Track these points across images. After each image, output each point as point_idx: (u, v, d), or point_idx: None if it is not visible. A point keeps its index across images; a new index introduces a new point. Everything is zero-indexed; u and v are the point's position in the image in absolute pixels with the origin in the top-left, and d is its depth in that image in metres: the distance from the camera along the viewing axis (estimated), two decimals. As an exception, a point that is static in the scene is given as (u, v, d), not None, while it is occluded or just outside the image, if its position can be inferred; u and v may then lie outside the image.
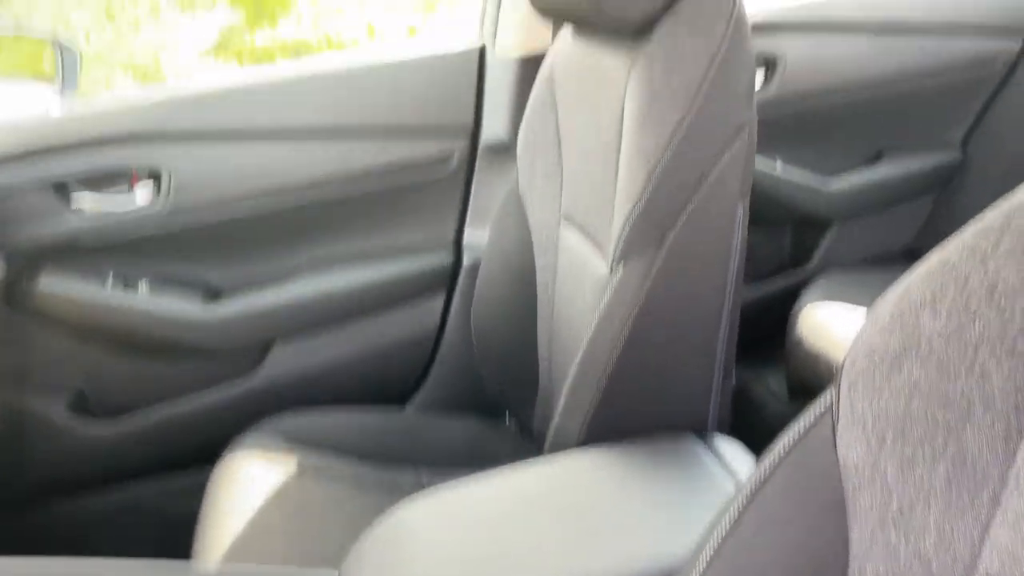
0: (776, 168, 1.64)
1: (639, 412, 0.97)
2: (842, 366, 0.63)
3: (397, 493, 1.35)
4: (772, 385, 1.63)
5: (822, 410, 0.64)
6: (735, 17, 0.99)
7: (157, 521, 1.55)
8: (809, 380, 1.40)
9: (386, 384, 1.62)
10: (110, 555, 0.88)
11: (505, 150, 1.52)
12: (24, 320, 1.44)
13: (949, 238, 0.61)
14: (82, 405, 1.51)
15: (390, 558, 0.85)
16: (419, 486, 1.37)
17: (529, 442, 1.44)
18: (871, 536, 0.59)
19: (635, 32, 1.03)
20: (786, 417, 1.62)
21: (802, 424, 0.65)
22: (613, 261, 1.00)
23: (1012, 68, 1.68)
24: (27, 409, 1.47)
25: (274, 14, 5.42)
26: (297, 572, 0.90)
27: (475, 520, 0.86)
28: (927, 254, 0.64)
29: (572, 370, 1.03)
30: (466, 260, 1.60)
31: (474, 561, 0.81)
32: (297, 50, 5.28)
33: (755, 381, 1.66)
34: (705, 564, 0.66)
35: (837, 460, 0.62)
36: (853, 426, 0.61)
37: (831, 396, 0.63)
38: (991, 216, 0.58)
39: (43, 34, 1.42)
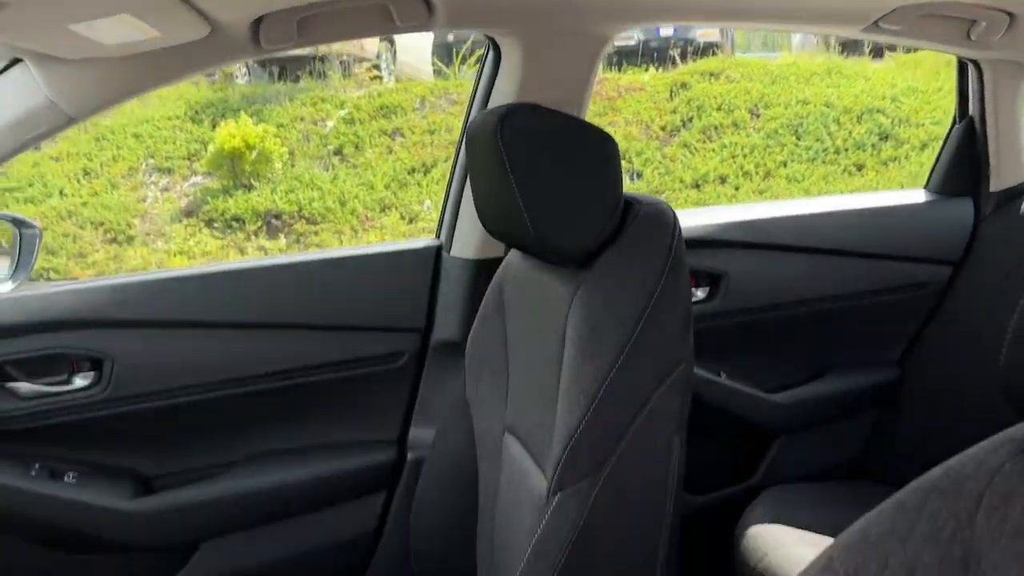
0: (722, 380, 1.66)
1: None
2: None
3: None
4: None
5: None
6: (674, 250, 1.04)
7: None
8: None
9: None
10: None
11: (455, 350, 1.53)
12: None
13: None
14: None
15: None
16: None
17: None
18: None
19: (578, 262, 1.07)
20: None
21: None
22: (551, 485, 0.99)
23: (943, 293, 1.76)
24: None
25: (250, 182, 5.58)
26: None
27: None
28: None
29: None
30: (410, 457, 1.57)
31: None
32: (269, 215, 5.41)
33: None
34: None
35: None
36: None
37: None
38: (908, 495, 0.59)
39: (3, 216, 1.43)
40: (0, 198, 5.37)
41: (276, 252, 5.12)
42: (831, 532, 1.41)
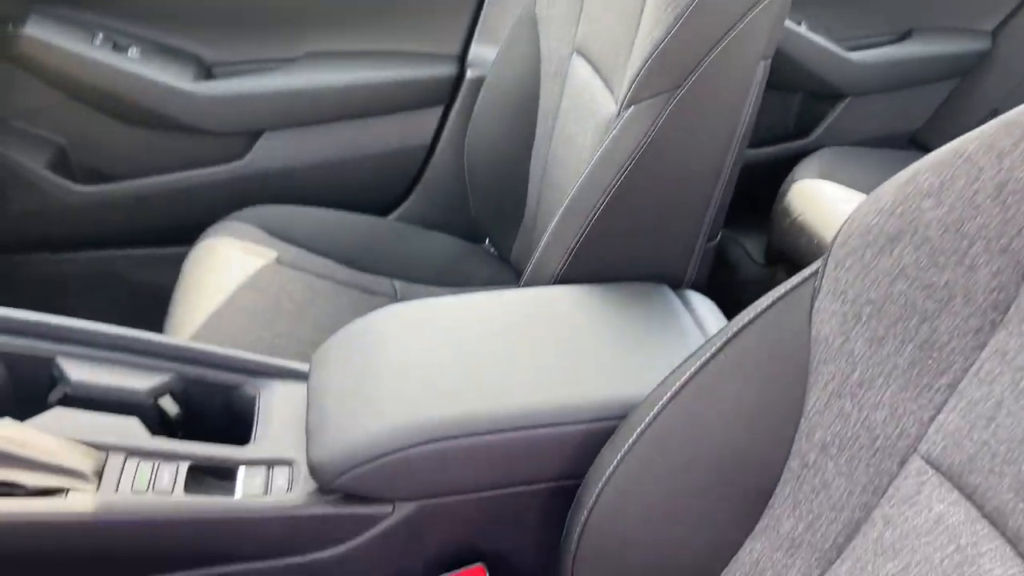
0: (800, 30, 1.58)
1: (620, 257, 0.98)
2: (834, 240, 0.64)
3: (371, 298, 1.37)
4: (748, 248, 1.65)
5: (805, 279, 0.65)
6: None
7: (129, 291, 1.58)
8: (789, 250, 1.42)
9: (371, 191, 1.61)
10: (80, 317, 0.89)
11: (526, -36, 1.44)
12: (7, 63, 1.39)
13: (965, 132, 0.60)
14: (63, 164, 1.49)
15: (361, 356, 0.88)
16: (393, 295, 1.40)
17: (505, 271, 1.46)
18: (827, 403, 0.62)
19: None
20: (756, 281, 1.66)
21: (783, 288, 0.66)
22: (622, 102, 0.98)
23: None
24: (7, 159, 1.44)
25: None
26: (270, 360, 0.92)
27: (447, 333, 0.88)
28: (938, 143, 0.63)
29: (561, 206, 1.03)
30: (469, 75, 1.55)
31: (441, 368, 0.84)
32: None
33: (732, 242, 1.68)
34: (665, 402, 0.69)
35: (809, 328, 0.64)
36: (833, 299, 0.62)
37: (818, 267, 0.64)
38: (1018, 114, 0.57)
39: None
40: None
41: None
42: (879, 194, 1.43)
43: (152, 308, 1.33)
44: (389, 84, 1.54)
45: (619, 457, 0.70)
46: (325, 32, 1.52)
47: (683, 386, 0.69)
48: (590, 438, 0.78)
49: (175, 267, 1.35)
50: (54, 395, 0.86)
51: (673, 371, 0.71)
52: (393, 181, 1.61)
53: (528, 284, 1.06)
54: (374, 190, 1.61)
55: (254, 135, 1.52)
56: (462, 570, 0.81)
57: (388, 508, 0.79)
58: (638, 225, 0.96)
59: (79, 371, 0.86)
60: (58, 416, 0.81)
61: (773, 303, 0.66)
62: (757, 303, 0.67)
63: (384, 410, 0.80)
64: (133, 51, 1.43)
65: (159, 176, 1.51)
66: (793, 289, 0.65)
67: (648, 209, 0.95)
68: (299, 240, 1.39)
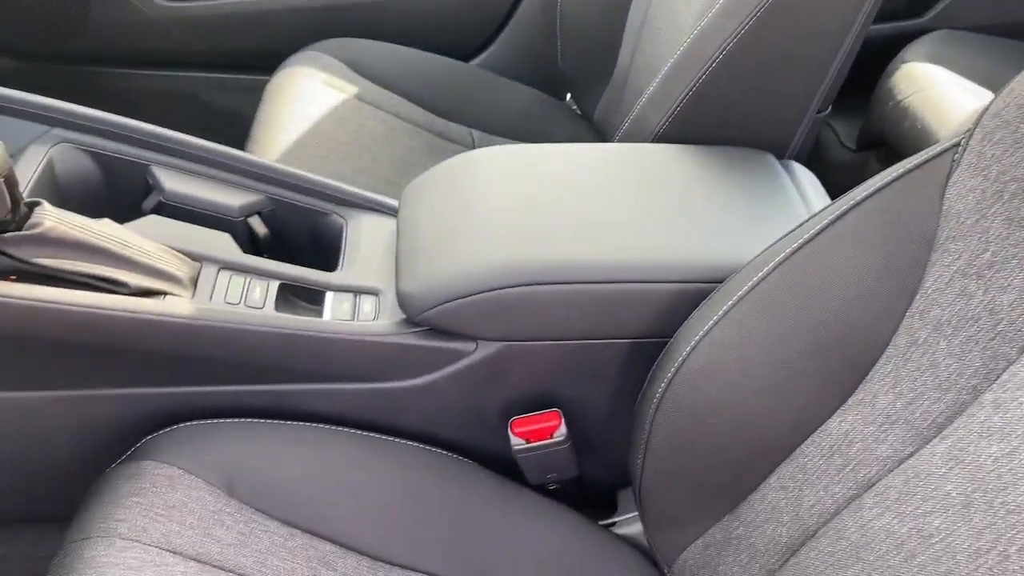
0: None
1: (726, 119, 0.94)
2: (983, 112, 0.60)
3: (447, 144, 1.35)
4: (838, 131, 1.58)
5: (944, 150, 0.61)
6: None
7: (207, 114, 1.57)
8: (888, 135, 1.35)
9: (455, 34, 1.55)
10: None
11: None
12: None
13: None
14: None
15: (456, 195, 0.87)
16: (470, 144, 1.37)
17: (586, 130, 1.42)
18: (948, 281, 0.60)
19: None
20: (843, 166, 1.59)
21: (916, 159, 0.63)
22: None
23: None
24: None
25: None
26: (359, 192, 0.91)
27: (544, 179, 0.86)
28: None
29: (664, 61, 0.98)
30: None
31: (536, 214, 0.82)
32: None
33: (822, 123, 1.61)
34: (772, 267, 0.67)
35: (941, 203, 0.61)
36: (974, 174, 0.59)
37: (960, 139, 0.60)
38: None
39: None
40: None
41: None
42: (992, 87, 1.34)
43: (228, 134, 1.32)
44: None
45: (716, 318, 0.69)
46: None
47: (793, 252, 0.67)
48: (681, 298, 0.77)
49: (253, 95, 1.34)
50: (148, 203, 0.87)
51: (783, 237, 0.69)
52: (479, 25, 1.55)
53: (624, 139, 1.02)
54: (458, 33, 1.55)
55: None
56: (538, 413, 0.82)
57: (472, 346, 0.80)
58: (751, 85, 0.91)
59: (173, 181, 0.87)
60: (154, 223, 0.82)
61: (903, 174, 0.63)
62: (884, 173, 0.64)
63: (477, 249, 0.79)
64: None
65: (242, -3, 1.47)
66: (928, 161, 0.62)
67: (765, 68, 0.90)
68: (379, 77, 1.36)
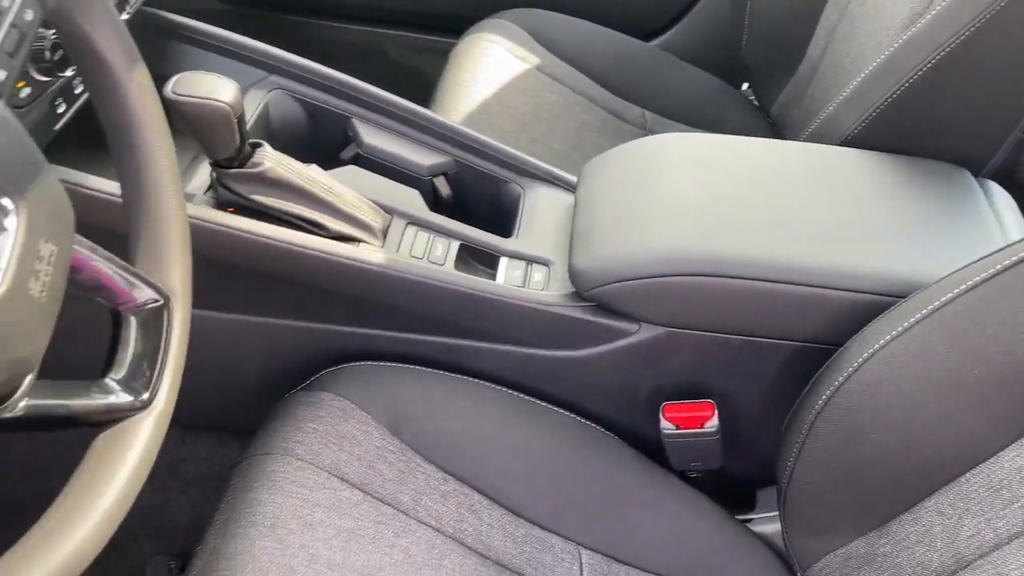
0: None
1: (921, 131, 0.91)
2: None
3: (621, 123, 1.36)
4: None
5: None
6: None
7: (393, 72, 1.63)
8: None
9: (638, 12, 1.55)
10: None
11: None
12: None
13: None
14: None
15: (636, 177, 0.88)
16: (643, 125, 1.37)
17: (761, 122, 1.39)
18: None
19: None
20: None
21: None
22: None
23: None
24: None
25: None
26: (540, 164, 0.94)
27: (726, 171, 0.87)
28: None
29: (868, 65, 0.96)
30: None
31: (715, 205, 0.83)
32: None
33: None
34: (963, 290, 0.66)
35: None
36: None
37: None
38: None
39: None
40: None
41: None
42: None
43: (412, 92, 1.37)
44: None
45: (896, 332, 0.68)
46: None
47: (989, 278, 0.65)
48: (856, 308, 0.76)
49: (438, 57, 1.38)
50: (346, 153, 0.93)
51: (980, 260, 0.67)
52: (664, 6, 1.55)
53: (810, 140, 1.01)
54: (641, 12, 1.55)
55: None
56: (692, 402, 0.83)
57: (635, 327, 0.82)
58: (956, 97, 0.87)
59: (370, 135, 0.92)
60: (352, 173, 0.88)
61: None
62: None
63: (653, 235, 0.81)
64: None
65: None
66: None
67: (974, 81, 0.86)
68: (560, 50, 1.38)
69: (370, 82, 0.95)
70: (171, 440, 1.01)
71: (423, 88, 1.34)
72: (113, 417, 0.52)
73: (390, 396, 0.82)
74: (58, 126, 0.72)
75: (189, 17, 0.92)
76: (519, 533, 0.80)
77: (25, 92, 0.68)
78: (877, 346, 0.69)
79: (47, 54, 0.67)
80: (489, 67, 1.31)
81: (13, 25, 0.46)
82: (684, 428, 0.83)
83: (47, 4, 0.49)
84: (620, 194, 0.86)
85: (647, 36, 1.55)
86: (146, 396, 0.53)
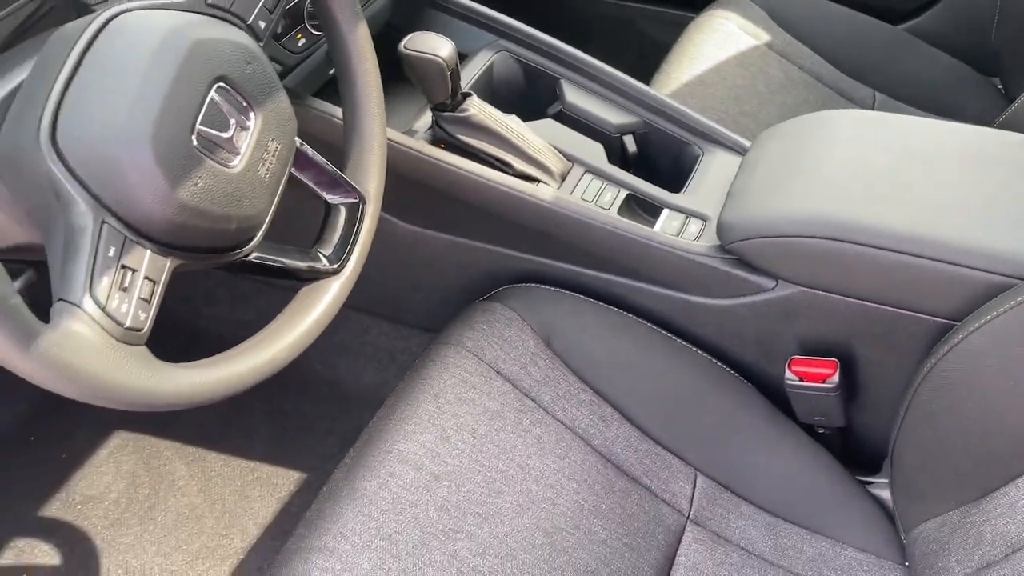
0: None
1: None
2: None
3: (843, 102, 1.38)
4: None
5: None
6: None
7: (638, 42, 1.76)
8: None
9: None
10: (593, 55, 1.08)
11: None
12: None
13: None
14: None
15: (802, 144, 0.94)
16: (869, 106, 1.38)
17: (1003, 110, 1.34)
18: None
19: None
20: None
21: None
22: None
23: None
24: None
25: None
26: (720, 129, 1.03)
27: (898, 149, 0.89)
28: None
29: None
30: None
31: (871, 178, 0.87)
32: None
33: None
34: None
35: None
36: None
37: None
38: None
39: None
40: None
41: None
42: None
43: (654, 61, 1.49)
44: None
45: (1006, 308, 0.71)
46: None
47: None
48: (983, 287, 0.78)
49: (678, 30, 1.48)
50: (551, 109, 1.08)
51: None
52: (917, -12, 1.52)
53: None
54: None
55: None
56: (817, 359, 0.90)
57: (772, 283, 0.89)
58: None
59: (573, 95, 1.07)
60: (548, 125, 1.03)
61: None
62: None
63: (799, 196, 0.88)
64: None
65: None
66: None
67: None
68: (795, 29, 1.42)
69: (619, 52, 1.09)
70: (393, 335, 1.25)
71: (658, 58, 1.45)
72: (314, 276, 0.72)
73: (549, 314, 0.97)
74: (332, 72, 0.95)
75: None
76: (642, 448, 0.92)
77: (302, 42, 0.92)
78: (986, 319, 0.72)
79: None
80: (716, 41, 1.39)
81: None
82: (807, 381, 0.89)
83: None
84: (779, 160, 0.94)
85: (895, 20, 1.53)
86: (337, 266, 0.73)
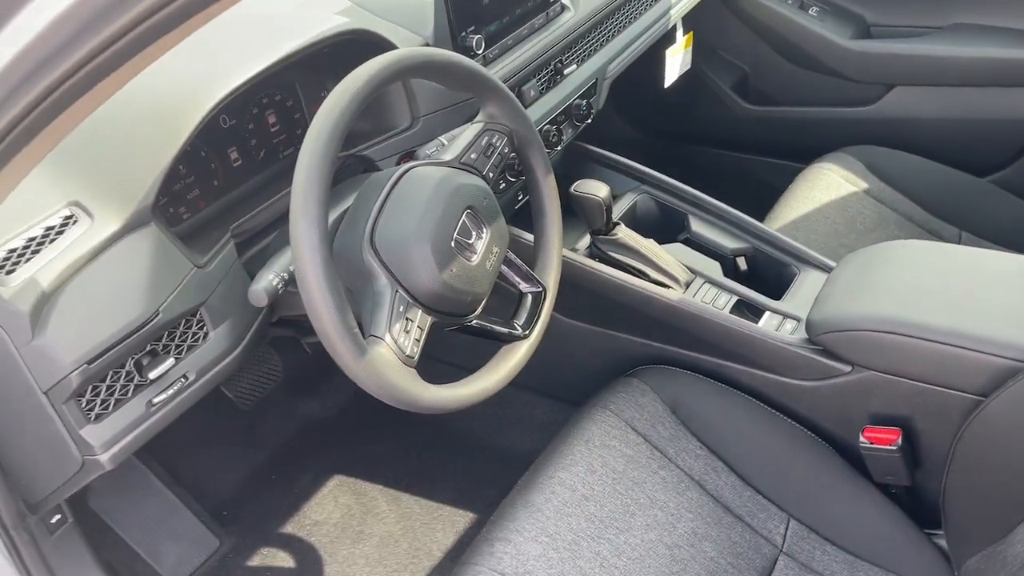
0: None
1: None
2: None
3: (933, 236, 1.64)
4: None
5: None
6: None
7: (761, 186, 2.08)
8: None
9: (974, 152, 1.80)
10: (719, 197, 1.42)
11: None
12: (726, 9, 1.96)
13: None
14: (742, 88, 2.04)
15: (875, 265, 1.23)
16: (956, 240, 1.64)
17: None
18: None
19: None
20: None
21: None
22: None
23: None
24: (707, 76, 2.04)
25: None
26: (812, 254, 1.33)
27: (951, 270, 1.17)
28: None
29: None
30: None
31: (925, 287, 1.14)
32: None
33: None
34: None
35: None
36: None
37: None
38: None
39: None
40: None
41: None
42: None
43: (769, 203, 1.80)
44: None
45: (1015, 383, 0.96)
46: (978, 6, 1.73)
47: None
48: (1006, 370, 1.03)
49: (791, 177, 1.81)
50: (681, 236, 1.42)
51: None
52: (999, 147, 1.78)
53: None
54: (977, 151, 1.80)
55: (888, 87, 1.84)
56: (885, 428, 1.15)
57: (847, 368, 1.17)
58: None
59: (697, 225, 1.41)
60: (677, 248, 1.37)
61: None
62: None
63: (868, 301, 1.16)
64: (813, 10, 1.87)
65: (806, 107, 1.96)
66: None
67: None
68: (890, 178, 1.71)
69: (740, 196, 1.43)
70: (547, 409, 1.57)
71: (773, 201, 1.77)
72: (512, 338, 1.07)
73: (675, 388, 1.27)
74: (518, 205, 1.34)
75: (616, 144, 1.48)
76: (745, 494, 1.19)
77: (503, 186, 1.31)
78: (999, 393, 0.97)
79: (516, 166, 1.29)
80: (821, 187, 1.70)
81: (498, 152, 1.05)
82: (876, 444, 1.15)
83: (514, 143, 1.07)
84: (857, 276, 1.22)
85: (982, 173, 1.79)
86: (526, 332, 1.08)
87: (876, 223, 1.64)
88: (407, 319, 0.91)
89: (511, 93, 1.06)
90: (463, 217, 0.96)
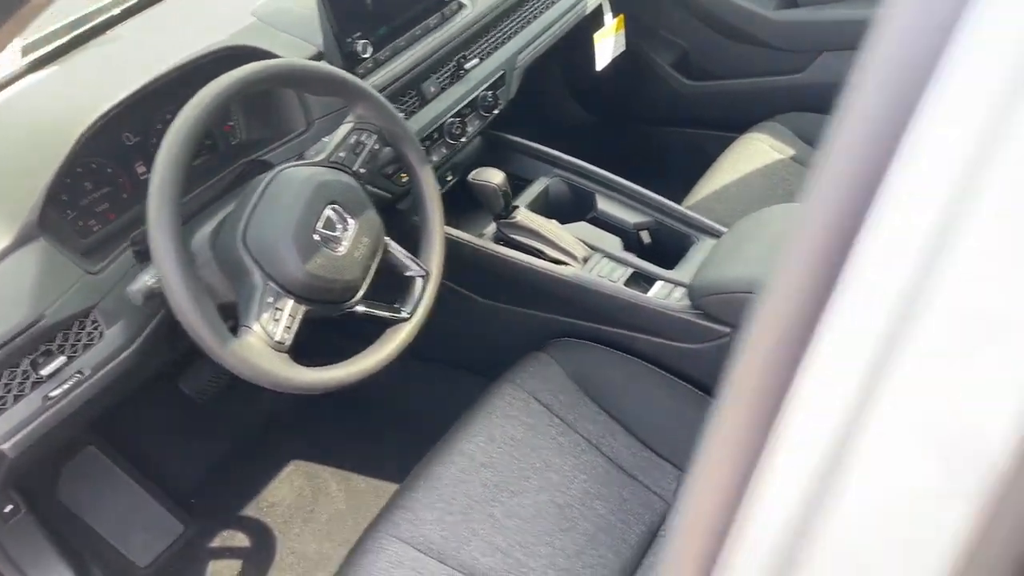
0: None
1: None
2: None
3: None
4: None
5: None
6: None
7: (705, 157, 2.12)
8: None
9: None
10: (661, 170, 1.47)
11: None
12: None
13: None
14: (683, 65, 2.08)
15: (758, 229, 1.28)
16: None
17: None
18: None
19: None
20: None
21: None
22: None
23: None
24: (647, 55, 2.09)
25: None
26: (709, 223, 1.38)
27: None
28: None
29: None
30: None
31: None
32: None
33: None
34: None
35: None
36: None
37: None
38: None
39: None
40: None
41: None
42: None
43: (692, 175, 1.83)
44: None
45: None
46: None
47: None
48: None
49: (723, 148, 1.85)
50: (589, 215, 1.49)
51: None
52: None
53: None
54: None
55: (817, 54, 1.87)
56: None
57: (727, 330, 1.22)
58: None
59: (603, 204, 1.47)
60: (581, 227, 1.43)
61: None
62: None
63: (744, 263, 1.21)
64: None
65: (742, 79, 1.99)
66: None
67: None
68: (819, 143, 1.74)
69: (689, 168, 1.49)
70: (459, 381, 1.65)
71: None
72: (396, 321, 1.15)
73: (578, 359, 1.34)
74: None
75: (568, 127, 1.54)
76: (641, 454, 1.25)
77: (405, 179, 1.39)
78: None
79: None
80: (747, 157, 1.74)
81: (368, 149, 1.13)
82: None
83: (385, 139, 1.15)
84: (738, 240, 1.28)
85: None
86: (410, 315, 1.16)
87: (798, 188, 1.68)
88: (276, 308, 1.00)
89: (377, 94, 1.14)
90: (327, 211, 1.05)
